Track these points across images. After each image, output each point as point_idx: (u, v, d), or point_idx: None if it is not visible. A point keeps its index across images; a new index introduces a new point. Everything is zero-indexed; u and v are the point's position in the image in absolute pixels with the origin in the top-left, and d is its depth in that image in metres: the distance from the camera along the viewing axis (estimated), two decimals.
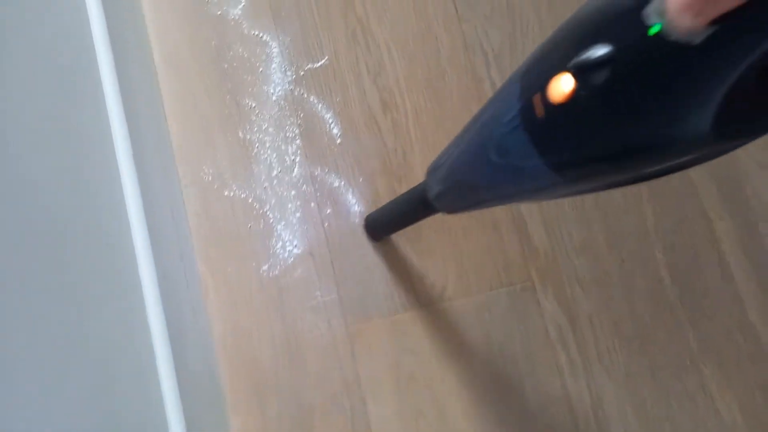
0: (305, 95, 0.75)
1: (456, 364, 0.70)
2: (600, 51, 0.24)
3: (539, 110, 0.29)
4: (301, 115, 0.74)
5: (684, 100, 0.23)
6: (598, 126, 0.27)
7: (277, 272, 0.70)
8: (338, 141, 0.74)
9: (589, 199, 0.76)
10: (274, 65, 0.75)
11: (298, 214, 0.72)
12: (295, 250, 0.71)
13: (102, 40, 0.64)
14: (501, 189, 0.37)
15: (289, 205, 0.72)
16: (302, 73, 0.76)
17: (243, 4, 0.77)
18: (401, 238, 0.72)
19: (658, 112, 0.24)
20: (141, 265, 0.61)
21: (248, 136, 0.73)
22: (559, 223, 0.75)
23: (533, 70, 0.30)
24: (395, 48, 0.78)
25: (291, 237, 0.71)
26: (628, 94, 0.24)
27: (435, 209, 0.50)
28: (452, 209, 0.47)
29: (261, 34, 0.76)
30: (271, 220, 0.71)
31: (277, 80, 0.75)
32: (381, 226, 0.67)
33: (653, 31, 0.22)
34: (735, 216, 0.76)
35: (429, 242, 0.72)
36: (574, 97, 0.26)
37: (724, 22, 0.20)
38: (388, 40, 0.78)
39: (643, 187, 0.77)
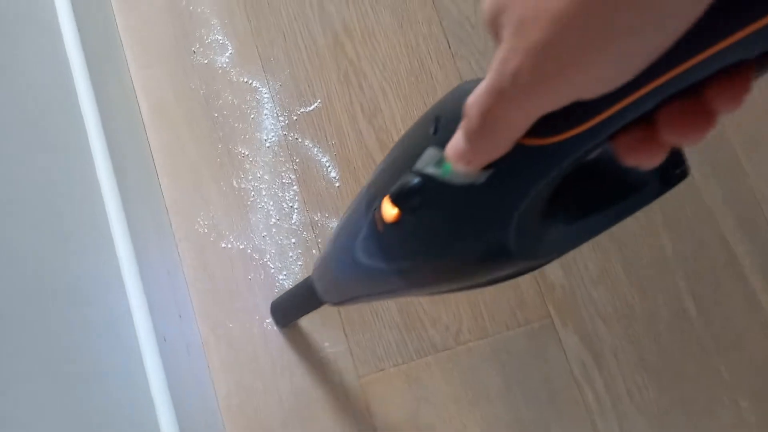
0: (300, 140, 0.93)
1: (477, 410, 0.84)
2: (411, 180, 0.34)
3: (379, 225, 0.39)
4: (297, 160, 0.92)
5: (481, 225, 0.32)
6: (423, 243, 0.37)
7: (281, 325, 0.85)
8: (337, 184, 0.91)
9: None
10: (265, 111, 0.94)
11: (300, 263, 0.88)
12: None
13: (87, 98, 0.82)
14: (366, 288, 0.50)
15: (290, 254, 0.88)
16: (295, 117, 0.94)
17: (230, 51, 0.96)
18: None
19: (464, 235, 0.34)
20: (139, 329, 0.76)
21: (243, 185, 0.90)
22: (573, 255, 0.91)
23: (373, 188, 0.41)
24: (389, 87, 0.96)
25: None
26: (438, 219, 0.35)
27: (322, 302, 0.64)
28: (336, 303, 0.61)
29: (250, 81, 0.95)
30: (272, 270, 0.87)
31: (270, 126, 0.93)
32: (282, 315, 0.83)
33: (445, 170, 0.31)
34: (754, 239, 0.93)
35: None
36: (400, 219, 0.37)
37: (498, 166, 0.28)
38: (382, 80, 0.96)
39: (657, 215, 0.94)
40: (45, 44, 0.80)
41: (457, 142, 0.29)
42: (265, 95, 0.94)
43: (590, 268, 0.92)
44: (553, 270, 0.90)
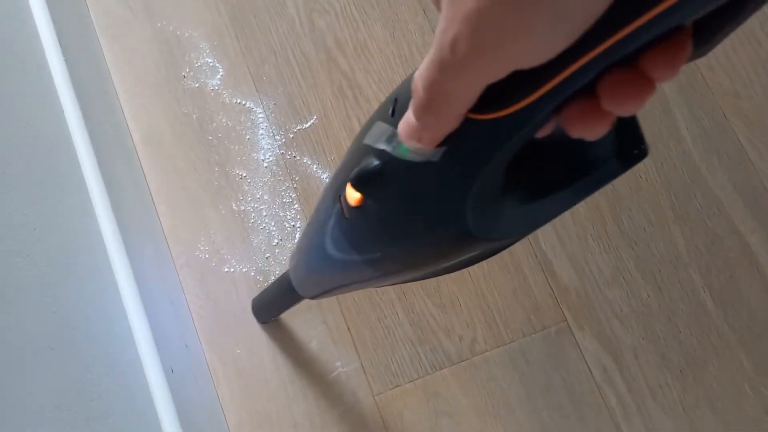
0: (298, 157, 0.93)
1: (498, 420, 0.84)
2: (371, 163, 0.35)
3: (345, 212, 0.40)
4: (296, 178, 0.92)
5: (440, 204, 0.33)
6: (386, 226, 0.38)
7: (290, 347, 0.85)
8: None
9: (613, 228, 0.93)
10: (261, 131, 0.94)
11: None
12: (308, 321, 0.86)
13: (79, 132, 0.83)
14: (339, 279, 0.50)
15: None
16: (292, 135, 0.94)
17: (221, 73, 0.97)
18: (417, 294, 0.88)
19: (424, 216, 0.35)
20: (146, 362, 0.76)
21: (243, 207, 0.91)
22: (585, 256, 0.92)
23: (339, 176, 0.41)
24: (385, 98, 0.97)
25: None
26: (399, 200, 0.35)
27: (299, 295, 0.65)
28: (311, 295, 0.62)
29: (244, 102, 0.96)
30: None
31: (267, 146, 0.94)
32: (263, 311, 0.83)
33: (401, 151, 0.32)
34: (767, 227, 0.94)
35: (450, 294, 0.88)
36: (362, 203, 0.38)
37: (451, 143, 0.29)
38: (378, 92, 0.97)
39: (667, 211, 0.94)
40: (34, 82, 0.81)
41: (407, 119, 0.29)
42: (260, 115, 0.95)
43: (603, 268, 0.92)
44: (566, 272, 0.91)
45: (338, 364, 0.85)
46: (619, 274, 0.92)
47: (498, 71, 0.24)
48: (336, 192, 0.41)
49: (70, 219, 0.76)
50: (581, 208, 0.94)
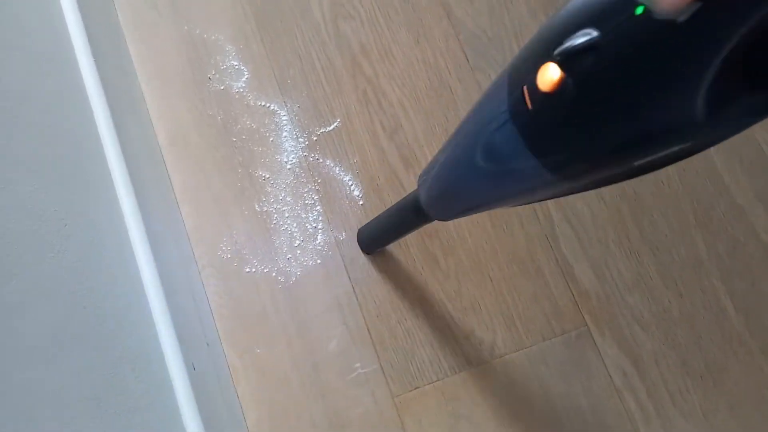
0: (321, 160, 0.95)
1: (517, 424, 0.84)
2: (584, 37, 0.31)
3: (529, 102, 0.36)
4: (319, 181, 0.94)
5: (673, 82, 0.29)
6: (589, 115, 0.34)
7: (310, 347, 0.86)
8: (360, 202, 0.93)
9: (635, 233, 0.94)
10: (285, 133, 0.96)
11: (326, 284, 0.89)
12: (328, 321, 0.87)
13: (108, 132, 0.85)
14: (489, 193, 0.46)
15: (317, 277, 0.89)
16: (315, 138, 0.96)
17: (246, 76, 0.99)
18: (438, 297, 0.89)
19: (649, 97, 0.31)
20: (168, 359, 0.78)
21: (265, 208, 0.92)
22: (606, 261, 0.92)
23: (521, 63, 0.37)
24: (409, 103, 0.99)
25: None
26: (616, 80, 0.31)
27: (429, 217, 0.61)
28: (445, 216, 0.58)
29: (268, 104, 0.98)
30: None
31: (290, 148, 0.95)
32: (374, 238, 0.81)
33: (639, 10, 0.28)
34: None
35: (470, 298, 0.89)
36: (562, 86, 0.33)
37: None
38: (401, 96, 0.99)
39: (689, 216, 0.95)
40: (65, 81, 0.83)
41: None
42: (284, 117, 0.97)
43: (624, 273, 0.92)
44: (587, 277, 0.91)
45: (358, 365, 0.86)
46: (640, 279, 0.92)
47: None
48: (514, 83, 0.37)
49: (98, 216, 0.78)
50: (603, 212, 0.95)
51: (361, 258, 0.90)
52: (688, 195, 0.96)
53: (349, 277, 0.89)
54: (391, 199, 0.93)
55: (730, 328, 0.90)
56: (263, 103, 0.98)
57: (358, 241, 0.88)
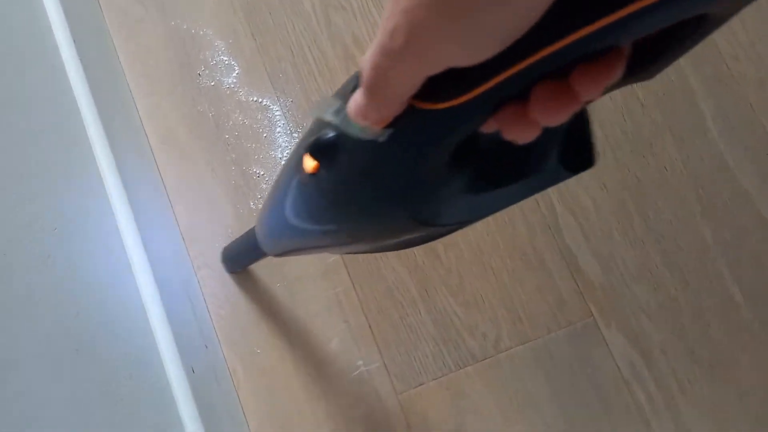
0: None
1: (524, 418, 0.84)
2: (327, 134, 0.36)
3: (304, 179, 0.42)
4: None
5: (385, 183, 0.35)
6: (336, 198, 0.40)
7: (311, 346, 0.86)
8: None
9: (639, 222, 0.93)
10: (278, 129, 0.95)
11: (326, 281, 0.89)
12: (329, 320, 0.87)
13: (95, 131, 0.84)
14: (297, 244, 0.53)
15: (316, 274, 0.89)
16: None
17: (237, 71, 0.98)
18: (440, 292, 0.88)
19: (370, 193, 0.37)
20: (167, 362, 0.77)
21: (261, 206, 0.91)
22: (610, 251, 0.92)
23: (302, 144, 0.42)
24: None
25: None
26: (349, 174, 0.37)
27: (262, 252, 0.68)
28: (273, 253, 0.65)
29: (260, 100, 0.97)
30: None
31: (284, 144, 0.95)
32: (230, 261, 0.87)
33: (352, 127, 0.33)
34: None
35: (473, 291, 0.89)
36: (318, 172, 0.39)
37: (396, 126, 0.31)
38: None
39: (694, 204, 0.95)
40: (49, 81, 0.82)
41: (356, 96, 0.31)
42: (277, 113, 0.96)
43: (629, 263, 0.92)
44: (592, 268, 0.91)
45: (360, 362, 0.86)
46: (645, 269, 0.92)
47: (433, 66, 0.26)
48: (299, 158, 0.43)
49: (89, 219, 0.77)
50: (606, 201, 0.94)
51: (361, 254, 0.89)
52: (693, 182, 0.96)
53: (348, 274, 0.89)
54: None
55: (737, 316, 0.90)
56: (255, 99, 0.97)
57: (222, 261, 0.90)
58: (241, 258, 0.84)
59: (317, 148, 0.37)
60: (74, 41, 0.87)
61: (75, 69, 0.86)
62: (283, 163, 0.48)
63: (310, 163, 0.40)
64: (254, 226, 0.68)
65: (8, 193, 0.60)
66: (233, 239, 0.85)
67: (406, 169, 0.34)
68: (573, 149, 0.35)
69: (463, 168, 0.35)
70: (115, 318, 0.72)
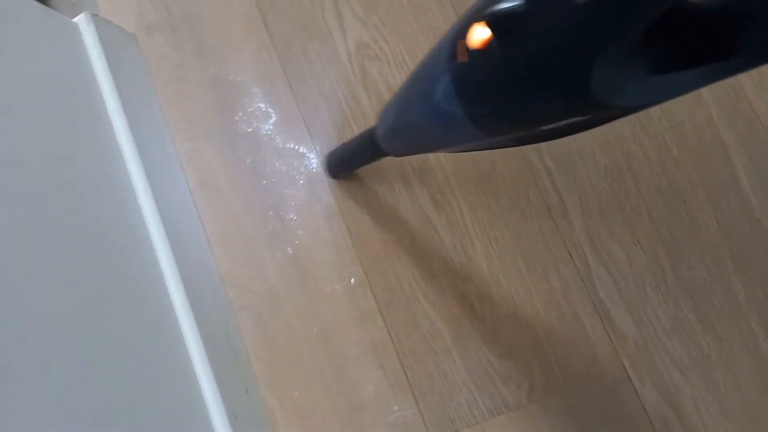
0: (352, 203, 1.15)
1: None
2: (511, 3, 0.39)
3: (461, 56, 0.46)
4: (350, 223, 1.13)
5: (573, 52, 0.39)
6: (507, 73, 0.44)
7: (348, 390, 1.05)
8: (393, 245, 1.12)
9: (672, 277, 1.13)
10: (315, 176, 1.16)
11: (361, 327, 1.08)
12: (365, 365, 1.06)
13: (138, 175, 1.04)
14: (428, 134, 0.61)
15: (352, 320, 1.08)
16: (345, 181, 1.16)
17: (274, 118, 1.20)
18: (474, 341, 1.08)
19: (552, 64, 0.40)
20: (212, 413, 0.95)
21: (298, 252, 1.12)
22: (644, 306, 1.12)
23: (461, 21, 0.47)
24: None
25: None
26: (530, 45, 0.41)
27: (382, 150, 0.80)
28: (395, 151, 0.76)
29: (297, 147, 1.18)
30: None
31: (321, 191, 1.15)
32: (338, 163, 1.07)
33: None
34: None
35: (507, 342, 1.08)
36: (490, 45, 0.43)
37: None
38: None
39: (727, 261, 1.15)
40: (95, 130, 1.02)
41: None
42: (313, 160, 1.17)
43: (662, 318, 1.12)
44: (625, 322, 1.11)
45: (396, 408, 1.04)
46: (678, 323, 1.12)
47: None
48: (454, 37, 0.48)
49: (135, 270, 0.96)
50: (639, 256, 1.15)
51: (397, 302, 1.09)
52: (726, 238, 1.16)
53: (384, 321, 1.08)
54: (423, 244, 1.13)
55: None
56: (292, 146, 1.18)
57: (326, 166, 1.13)
58: (352, 160, 1.03)
59: (499, 16, 0.41)
60: (117, 87, 1.08)
61: (118, 115, 1.07)
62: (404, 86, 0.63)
63: (480, 36, 0.43)
64: (370, 128, 0.83)
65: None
66: (270, 282, 1.05)
67: (600, 34, 0.37)
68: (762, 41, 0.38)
69: (653, 46, 0.39)
70: (163, 370, 0.90)
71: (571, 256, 1.15)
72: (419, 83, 0.58)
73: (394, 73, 1.24)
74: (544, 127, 0.50)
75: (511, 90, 0.45)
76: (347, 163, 1.07)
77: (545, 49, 0.40)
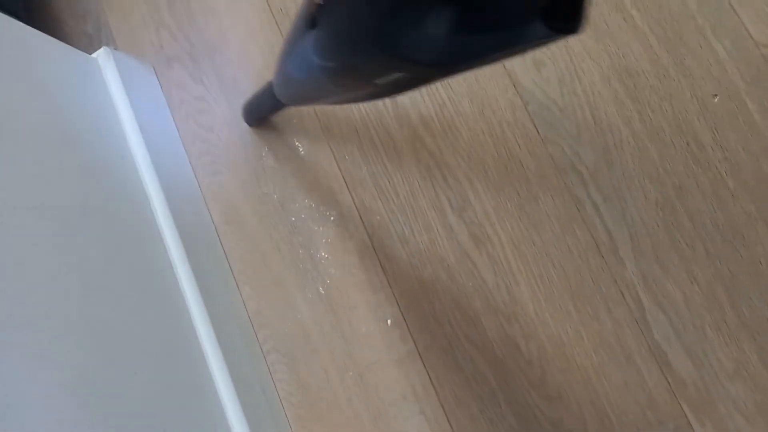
0: (386, 240, 1.15)
1: None
2: None
3: (312, 8, 0.58)
4: (384, 260, 1.14)
5: (378, 18, 0.49)
6: (334, 32, 0.57)
7: None
8: (430, 284, 1.12)
9: (732, 318, 1.13)
10: (346, 212, 1.17)
11: (399, 370, 1.07)
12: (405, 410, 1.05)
13: (162, 212, 1.06)
14: (305, 88, 0.74)
15: (389, 362, 1.08)
16: (379, 217, 1.17)
17: (302, 152, 1.21)
18: (521, 385, 1.07)
19: (366, 27, 0.51)
20: None
21: (329, 291, 1.12)
22: (703, 348, 1.11)
23: None
24: (477, 178, 1.20)
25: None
26: (348, 11, 0.53)
27: (279, 99, 0.94)
28: (285, 100, 0.91)
29: (326, 180, 1.19)
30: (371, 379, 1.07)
31: (352, 227, 1.16)
32: (249, 112, 1.19)
33: None
34: None
35: (556, 385, 1.07)
36: (322, 4, 0.55)
37: None
38: (468, 171, 1.20)
39: None
40: (120, 167, 1.05)
41: None
42: (346, 195, 1.18)
43: (723, 361, 1.11)
44: (683, 364, 1.10)
45: None
46: (741, 366, 1.10)
47: None
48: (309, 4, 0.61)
49: (161, 308, 0.97)
50: (697, 295, 1.14)
51: (438, 342, 1.09)
52: None
53: (423, 363, 1.07)
54: (462, 283, 1.13)
55: None
56: (321, 180, 1.19)
57: (242, 115, 1.24)
58: (260, 109, 1.14)
59: None
60: (143, 136, 1.10)
61: (141, 150, 1.09)
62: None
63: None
64: (271, 80, 0.95)
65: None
66: (302, 322, 1.05)
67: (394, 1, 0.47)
68: (560, 10, 0.45)
69: (449, 3, 0.47)
70: (193, 414, 0.91)
71: (623, 295, 1.14)
72: (289, 36, 0.71)
73: (427, 104, 1.26)
74: (377, 81, 0.59)
75: (343, 47, 0.57)
76: (255, 111, 1.18)
77: (358, 14, 0.51)
